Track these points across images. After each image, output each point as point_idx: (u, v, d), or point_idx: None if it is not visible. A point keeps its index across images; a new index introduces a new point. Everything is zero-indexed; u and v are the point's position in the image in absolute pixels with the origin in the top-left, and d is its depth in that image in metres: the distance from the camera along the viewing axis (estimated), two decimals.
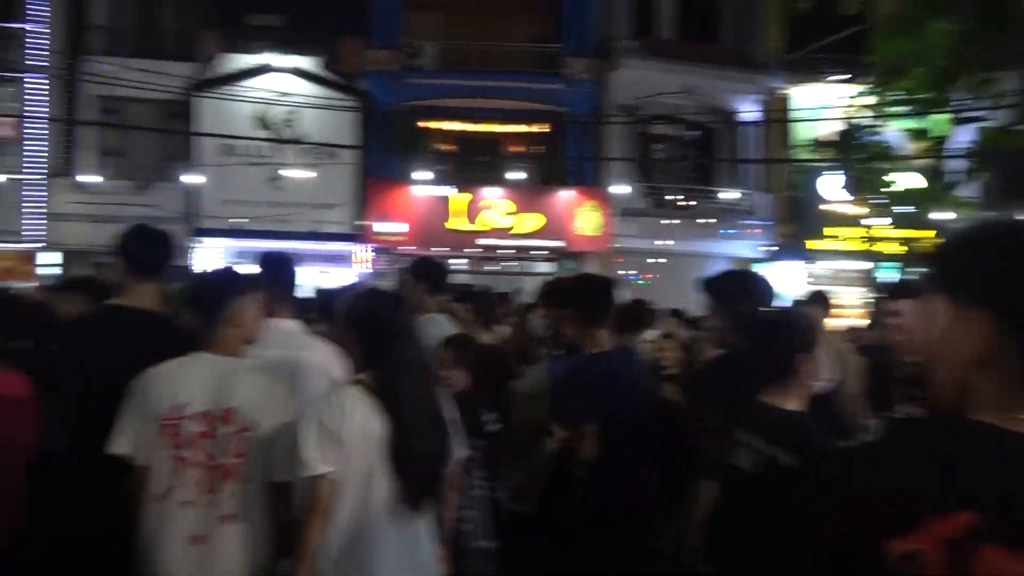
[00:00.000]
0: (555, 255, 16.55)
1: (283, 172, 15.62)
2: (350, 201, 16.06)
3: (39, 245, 15.14)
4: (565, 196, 16.50)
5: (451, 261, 16.30)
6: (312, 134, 15.40)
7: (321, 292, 5.10)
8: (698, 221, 16.71)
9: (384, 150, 15.86)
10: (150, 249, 2.84)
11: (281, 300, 2.93)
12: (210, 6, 15.95)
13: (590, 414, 3.07)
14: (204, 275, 2.92)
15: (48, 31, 15.19)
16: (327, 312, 3.55)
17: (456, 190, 16.09)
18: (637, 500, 3.11)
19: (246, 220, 15.35)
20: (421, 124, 16.54)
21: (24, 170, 15.19)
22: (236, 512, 2.31)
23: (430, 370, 2.44)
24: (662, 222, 16.52)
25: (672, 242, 16.33)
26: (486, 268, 16.03)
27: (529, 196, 16.49)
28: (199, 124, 15.39)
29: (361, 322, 2.35)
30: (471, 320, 4.65)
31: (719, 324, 3.06)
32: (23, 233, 15.05)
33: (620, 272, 14.74)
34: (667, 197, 17.06)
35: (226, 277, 2.59)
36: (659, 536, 3.33)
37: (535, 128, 17.42)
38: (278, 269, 3.02)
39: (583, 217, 16.35)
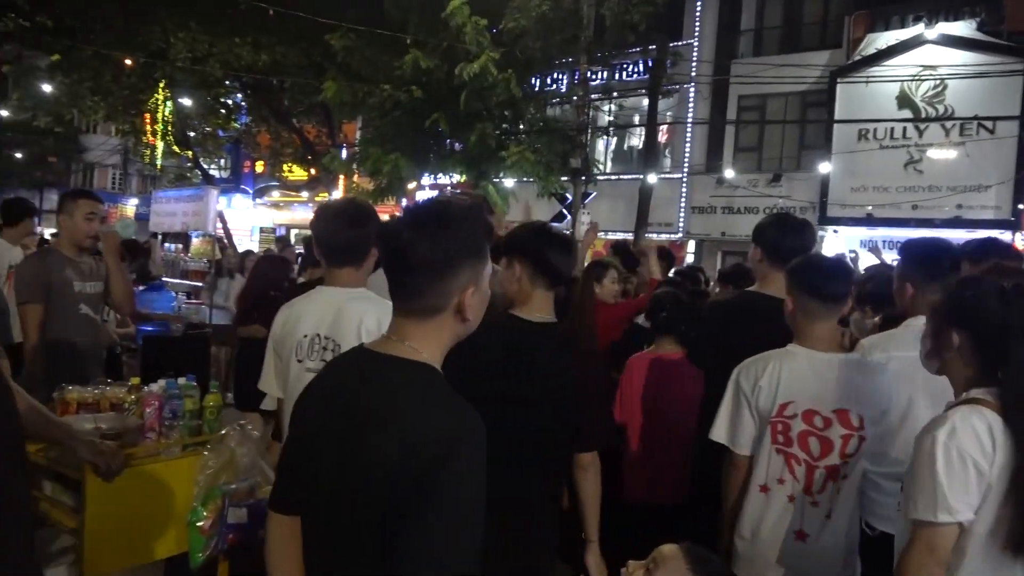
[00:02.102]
0: None
1: (926, 153, 14.33)
2: (1006, 182, 13.78)
3: (678, 235, 17.41)
4: None
5: None
6: (961, 108, 13.73)
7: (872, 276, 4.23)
8: None
9: None
10: (787, 238, 2.85)
11: (928, 295, 2.58)
12: None
13: None
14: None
15: (697, 44, 17.18)
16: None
17: None
18: None
19: (870, 207, 14.75)
20: None
21: (674, 169, 17.68)
22: (840, 512, 2.26)
23: None
24: None
25: None
26: None
27: None
28: (838, 111, 15.20)
29: (969, 321, 1.79)
30: None
31: None
32: (674, 225, 17.51)
33: None
34: None
35: (837, 267, 2.46)
36: None
37: None
38: (922, 259, 2.68)
39: None
